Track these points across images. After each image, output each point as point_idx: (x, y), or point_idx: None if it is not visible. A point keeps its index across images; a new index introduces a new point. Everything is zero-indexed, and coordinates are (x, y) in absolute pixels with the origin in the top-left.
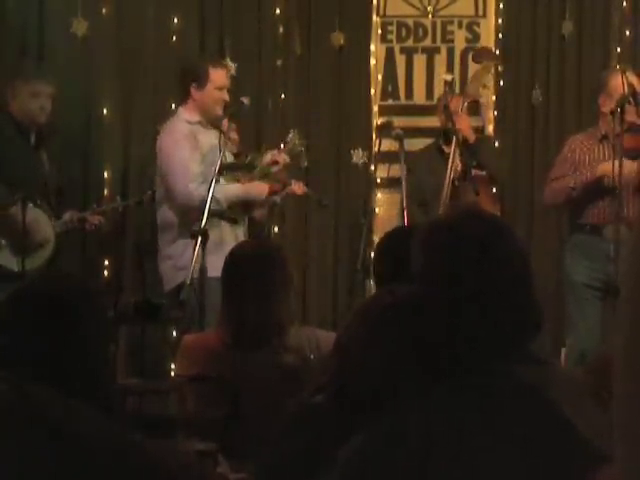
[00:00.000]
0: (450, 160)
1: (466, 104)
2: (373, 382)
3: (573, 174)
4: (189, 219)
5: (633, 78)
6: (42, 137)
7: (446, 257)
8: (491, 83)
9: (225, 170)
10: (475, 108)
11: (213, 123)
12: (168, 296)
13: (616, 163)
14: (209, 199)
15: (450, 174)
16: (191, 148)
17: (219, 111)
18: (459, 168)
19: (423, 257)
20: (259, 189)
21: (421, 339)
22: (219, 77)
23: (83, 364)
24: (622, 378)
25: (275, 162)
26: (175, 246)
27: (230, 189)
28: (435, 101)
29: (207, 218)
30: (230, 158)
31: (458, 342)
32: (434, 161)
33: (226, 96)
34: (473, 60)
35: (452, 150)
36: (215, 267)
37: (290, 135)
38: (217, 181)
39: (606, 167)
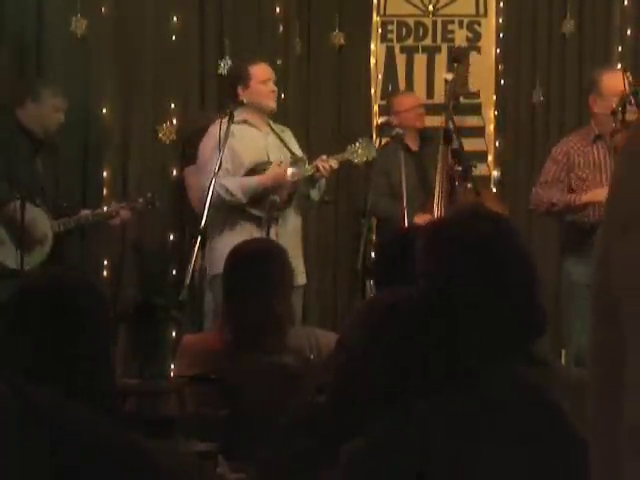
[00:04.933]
0: (440, 159)
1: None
2: (374, 383)
3: (564, 180)
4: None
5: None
6: (41, 142)
7: (449, 258)
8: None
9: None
10: (476, 108)
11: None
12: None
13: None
14: (209, 197)
15: (442, 173)
16: (215, 146)
17: (271, 104)
18: (458, 168)
19: (426, 257)
20: (277, 172)
21: (423, 340)
22: (260, 71)
23: (85, 363)
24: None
25: (321, 168)
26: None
27: (246, 181)
28: (435, 100)
29: (207, 216)
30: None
31: (460, 343)
32: (397, 157)
33: (273, 87)
34: (454, 60)
35: (442, 150)
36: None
37: (357, 144)
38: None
39: (596, 194)
